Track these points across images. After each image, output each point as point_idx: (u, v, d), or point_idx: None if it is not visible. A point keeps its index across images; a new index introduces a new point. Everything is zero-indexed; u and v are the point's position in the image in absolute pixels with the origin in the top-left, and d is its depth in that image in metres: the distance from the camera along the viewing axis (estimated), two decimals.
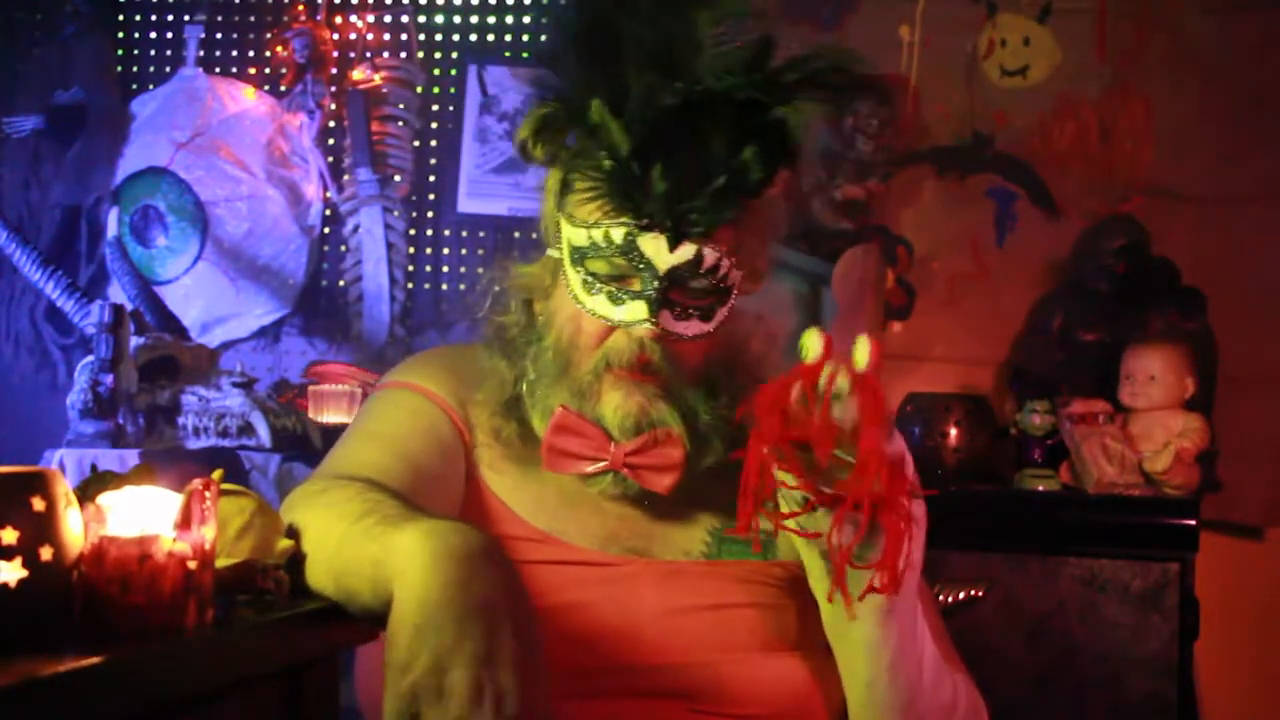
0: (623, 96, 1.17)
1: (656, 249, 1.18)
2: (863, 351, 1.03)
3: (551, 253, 1.28)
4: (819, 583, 1.14)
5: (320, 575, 1.01)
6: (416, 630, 0.86)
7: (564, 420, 1.22)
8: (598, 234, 1.19)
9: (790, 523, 1.07)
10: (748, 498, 1.05)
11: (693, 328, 1.21)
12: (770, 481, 1.05)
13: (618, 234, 1.18)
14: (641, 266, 1.19)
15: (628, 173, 1.16)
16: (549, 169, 1.27)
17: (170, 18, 3.63)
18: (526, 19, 3.44)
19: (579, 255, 1.22)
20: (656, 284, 1.19)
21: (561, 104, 1.22)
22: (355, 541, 0.97)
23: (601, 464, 1.22)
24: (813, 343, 1.05)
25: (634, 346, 1.20)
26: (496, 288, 1.33)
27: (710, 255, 1.19)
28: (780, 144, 1.20)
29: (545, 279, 1.29)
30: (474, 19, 3.48)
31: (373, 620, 0.96)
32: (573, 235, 1.22)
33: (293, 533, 1.05)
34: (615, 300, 1.20)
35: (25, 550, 0.79)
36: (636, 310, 1.19)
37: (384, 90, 3.47)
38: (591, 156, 1.19)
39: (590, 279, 1.21)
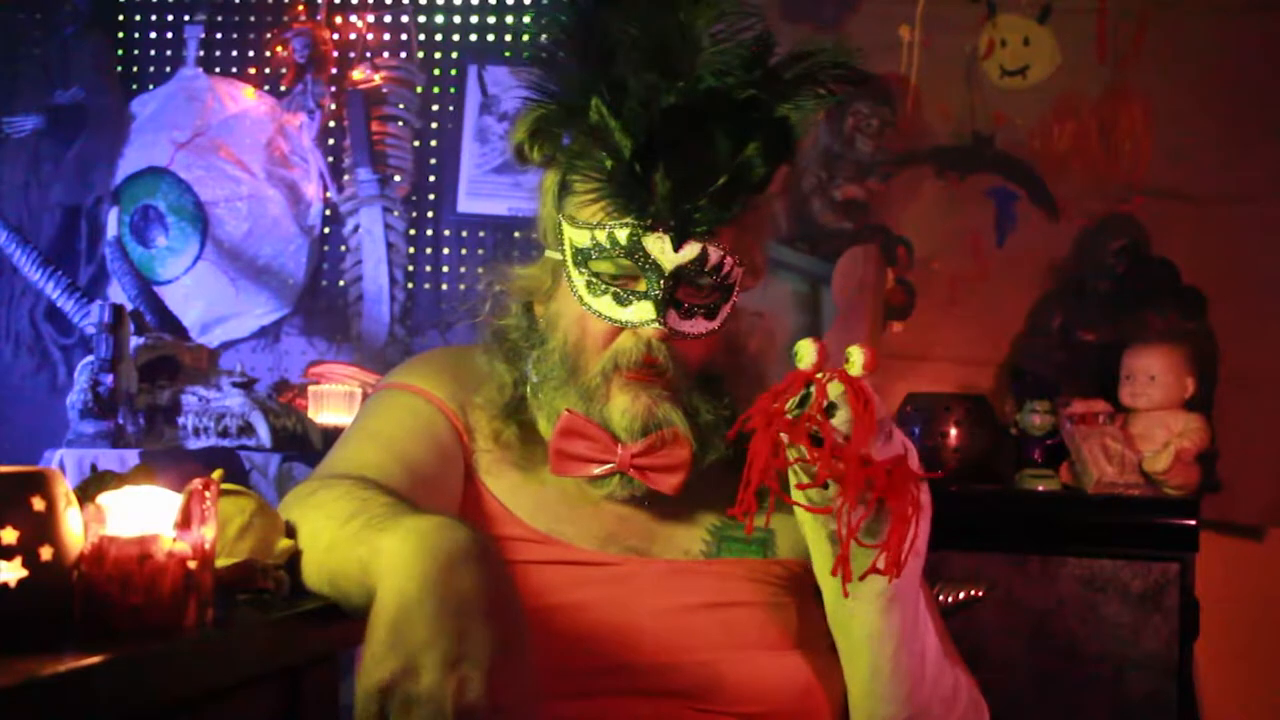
0: (621, 96, 1.17)
1: (661, 249, 1.18)
2: (858, 359, 1.03)
3: (551, 254, 1.27)
4: (824, 565, 1.14)
5: (315, 576, 1.01)
6: (391, 627, 0.86)
7: (570, 424, 1.22)
8: (601, 235, 1.19)
9: (799, 496, 1.07)
10: (753, 476, 1.05)
11: (698, 326, 1.21)
12: (782, 459, 1.05)
13: (622, 235, 1.18)
14: (647, 267, 1.19)
15: (631, 173, 1.16)
16: (546, 171, 1.27)
17: (170, 18, 3.62)
18: (526, 19, 3.44)
19: (582, 257, 1.21)
20: (662, 284, 1.19)
21: (558, 105, 1.22)
22: (344, 544, 0.97)
23: (608, 466, 1.22)
24: (807, 350, 1.05)
25: (641, 347, 1.20)
26: (496, 290, 1.33)
27: (715, 253, 1.19)
28: (782, 140, 1.20)
29: (545, 281, 1.28)
30: (474, 19, 3.48)
31: (367, 620, 0.96)
32: (575, 237, 1.22)
33: (292, 532, 1.05)
34: (621, 301, 1.20)
35: (25, 550, 0.79)
36: (643, 311, 1.19)
37: (384, 90, 3.47)
38: (592, 157, 1.19)
39: (595, 280, 1.21)
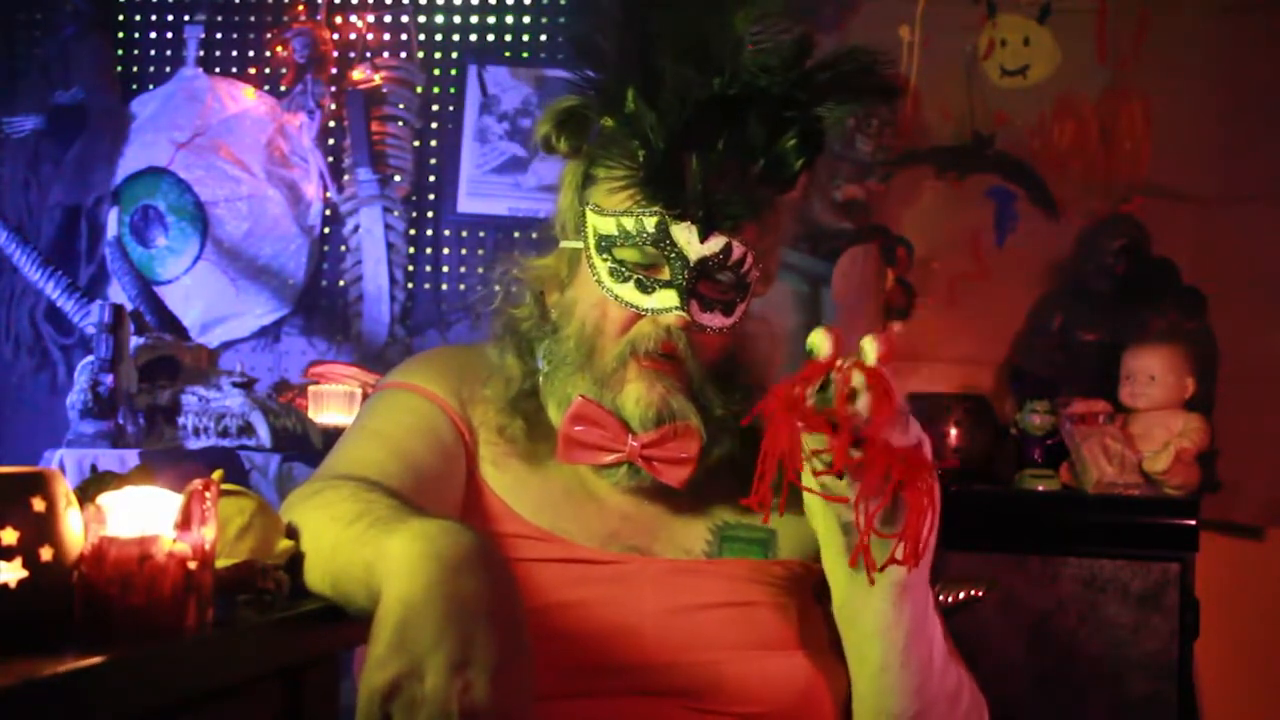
0: (657, 86, 1.18)
1: (688, 239, 1.19)
2: (871, 349, 1.04)
3: (567, 245, 1.29)
4: (835, 556, 1.14)
5: (317, 578, 1.01)
6: (396, 629, 0.86)
7: (582, 410, 1.22)
8: (629, 222, 1.20)
9: (813, 483, 1.07)
10: (769, 466, 1.05)
11: (716, 320, 1.23)
12: (798, 448, 1.05)
13: (650, 223, 1.20)
14: (672, 255, 1.20)
15: (662, 163, 1.18)
16: (569, 162, 1.28)
17: (170, 18, 3.63)
18: (526, 19, 3.45)
19: (607, 244, 1.22)
20: (686, 273, 1.20)
21: (594, 94, 1.24)
22: (349, 546, 0.97)
23: (617, 455, 1.22)
24: (822, 340, 1.05)
25: (660, 334, 1.21)
26: (508, 282, 1.33)
27: (738, 248, 1.20)
28: (813, 141, 1.21)
29: (561, 270, 1.29)
30: (474, 19, 3.48)
31: (370, 622, 0.96)
32: (600, 224, 1.23)
33: (293, 533, 1.05)
34: (644, 289, 1.21)
35: (25, 550, 0.79)
36: (667, 298, 1.20)
37: (384, 90, 3.47)
38: (623, 146, 1.20)
39: (619, 267, 1.22)
